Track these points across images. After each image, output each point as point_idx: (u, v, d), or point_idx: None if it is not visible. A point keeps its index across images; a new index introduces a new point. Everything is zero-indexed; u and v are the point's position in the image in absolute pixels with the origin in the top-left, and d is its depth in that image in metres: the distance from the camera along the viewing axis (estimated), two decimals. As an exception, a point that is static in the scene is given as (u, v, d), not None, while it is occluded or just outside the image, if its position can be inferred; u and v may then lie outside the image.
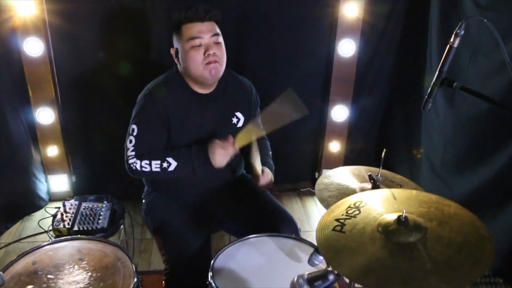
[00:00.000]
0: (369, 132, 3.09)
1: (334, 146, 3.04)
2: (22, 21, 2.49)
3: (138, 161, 1.79)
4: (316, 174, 3.19)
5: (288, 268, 1.55)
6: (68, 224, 1.96)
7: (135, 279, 1.49)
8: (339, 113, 2.94)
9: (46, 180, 2.92)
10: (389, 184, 1.66)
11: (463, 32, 1.32)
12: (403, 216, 1.18)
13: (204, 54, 1.74)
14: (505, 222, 2.11)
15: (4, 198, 2.66)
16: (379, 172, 1.59)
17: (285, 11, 2.69)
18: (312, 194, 3.20)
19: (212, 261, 1.55)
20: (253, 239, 1.68)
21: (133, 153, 1.80)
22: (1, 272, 1.41)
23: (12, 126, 2.63)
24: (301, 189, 3.24)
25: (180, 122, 1.84)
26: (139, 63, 2.71)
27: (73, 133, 2.88)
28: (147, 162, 1.78)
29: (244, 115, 1.97)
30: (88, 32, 2.62)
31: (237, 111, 1.95)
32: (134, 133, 1.80)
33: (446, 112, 2.40)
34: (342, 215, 1.28)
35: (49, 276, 1.52)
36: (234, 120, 1.95)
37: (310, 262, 1.37)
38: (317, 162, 3.15)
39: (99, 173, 2.98)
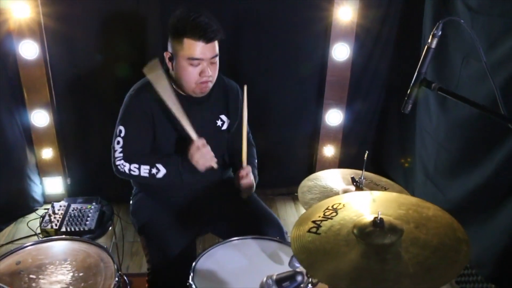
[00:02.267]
0: (364, 136, 3.08)
1: (329, 150, 3.02)
2: (18, 23, 2.52)
3: (127, 164, 1.79)
4: (311, 178, 3.18)
5: (269, 270, 1.50)
6: (56, 225, 1.96)
7: (116, 279, 1.49)
8: (334, 117, 2.93)
9: (41, 183, 2.94)
10: (373, 187, 1.65)
11: (440, 32, 1.30)
12: (379, 218, 1.17)
13: (200, 74, 1.75)
14: (497, 227, 2.08)
15: (-1, 200, 2.68)
16: (362, 174, 1.57)
17: (279, 15, 2.70)
18: (307, 198, 3.18)
19: (194, 262, 1.55)
20: (236, 241, 1.67)
21: (121, 154, 1.80)
22: None
23: (7, 128, 2.65)
24: (295, 193, 3.22)
25: (165, 123, 1.84)
26: (134, 66, 2.71)
27: (68, 136, 2.90)
28: (136, 166, 1.79)
29: (229, 118, 1.97)
30: (83, 34, 2.65)
31: (221, 114, 1.95)
32: (122, 134, 1.80)
33: (439, 117, 2.39)
34: (319, 216, 1.27)
35: (31, 276, 1.52)
36: (219, 122, 1.95)
37: (291, 264, 1.35)
38: (312, 166, 3.14)
39: (93, 175, 2.99)
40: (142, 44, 2.74)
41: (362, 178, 1.57)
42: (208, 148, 1.78)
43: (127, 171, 1.78)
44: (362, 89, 2.92)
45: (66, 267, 1.56)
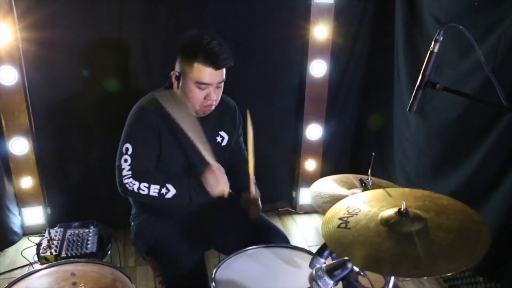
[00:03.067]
0: (343, 149, 3.20)
1: (310, 165, 3.12)
2: (-4, 49, 2.46)
3: (137, 183, 1.77)
4: (293, 193, 3.25)
5: (288, 275, 1.58)
6: (56, 251, 1.90)
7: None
8: (314, 131, 3.04)
9: (20, 213, 2.81)
10: (378, 188, 1.73)
11: (442, 38, 1.44)
12: (404, 208, 1.25)
13: (205, 97, 1.78)
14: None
15: (-24, 233, 2.54)
16: (369, 176, 1.66)
17: (258, 33, 2.80)
18: (290, 213, 3.24)
19: (213, 272, 1.55)
20: (250, 251, 1.70)
21: (129, 172, 1.78)
22: None
23: (-15, 158, 2.54)
24: (280, 209, 3.28)
25: (171, 141, 1.85)
26: (115, 91, 2.71)
27: (48, 163, 2.81)
28: (146, 185, 1.77)
29: (228, 134, 2.01)
30: (63, 60, 2.61)
31: (221, 130, 1.99)
32: (129, 152, 1.79)
33: (417, 123, 2.55)
34: (344, 214, 1.34)
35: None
36: (219, 139, 1.98)
37: (312, 266, 1.40)
38: (294, 181, 3.22)
39: (75, 203, 2.90)
40: (123, 70, 2.74)
41: (369, 179, 1.66)
42: (223, 173, 1.80)
43: (135, 190, 1.77)
44: (338, 103, 3.06)
45: (80, 290, 1.52)
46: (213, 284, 1.50)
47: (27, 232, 2.86)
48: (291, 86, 2.98)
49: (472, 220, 1.25)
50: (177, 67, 1.82)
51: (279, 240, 1.90)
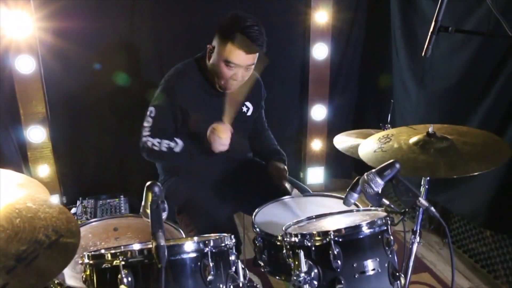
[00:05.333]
0: (346, 128, 3.34)
1: (316, 144, 3.25)
2: (14, 38, 2.54)
3: (150, 139, 1.89)
4: (301, 174, 3.37)
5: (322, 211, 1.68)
6: (91, 217, 1.97)
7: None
8: (318, 112, 3.18)
9: (37, 202, 2.85)
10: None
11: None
12: (432, 130, 1.40)
13: (232, 76, 1.88)
14: (484, 180, 2.37)
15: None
16: (388, 119, 1.80)
17: (261, 19, 2.94)
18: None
19: (252, 217, 1.65)
20: (286, 199, 1.81)
21: (149, 132, 1.90)
22: None
23: (3, 146, 2.59)
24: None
25: (194, 111, 1.96)
26: (129, 80, 2.82)
27: (63, 152, 2.87)
28: (159, 140, 1.88)
29: (253, 105, 2.12)
30: (78, 50, 2.70)
31: (246, 101, 2.10)
32: (152, 114, 1.91)
33: (418, 94, 2.72)
34: (376, 142, 1.48)
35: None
36: (244, 109, 2.10)
37: (346, 202, 1.51)
38: (301, 161, 3.34)
39: (89, 192, 2.95)
40: (137, 59, 2.84)
41: (389, 125, 1.80)
42: (227, 130, 1.84)
43: (150, 146, 1.87)
44: (340, 84, 3.22)
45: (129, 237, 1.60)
46: (255, 225, 1.60)
47: (45, 221, 2.89)
48: (294, 69, 3.13)
49: (491, 138, 1.41)
50: (214, 41, 1.90)
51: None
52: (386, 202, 1.34)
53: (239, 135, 2.08)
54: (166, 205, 1.00)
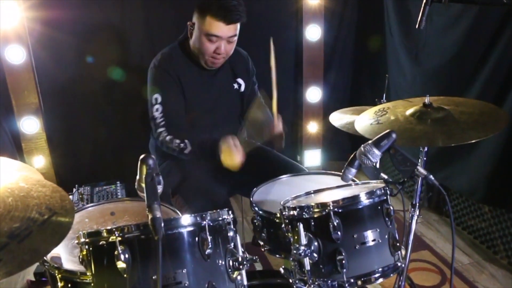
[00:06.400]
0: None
1: (313, 127, 3.24)
2: (2, 28, 2.50)
3: (165, 134, 1.88)
4: (298, 157, 3.36)
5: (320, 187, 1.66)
6: (87, 203, 1.96)
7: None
8: (313, 94, 3.16)
9: (34, 194, 2.83)
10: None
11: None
12: (428, 100, 1.38)
13: (215, 50, 1.86)
14: (481, 155, 2.37)
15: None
16: (384, 96, 1.79)
17: (251, 3, 2.91)
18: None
19: (251, 196, 1.64)
20: (283, 178, 1.79)
21: (163, 121, 1.87)
22: None
23: (-3, 137, 2.57)
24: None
25: (188, 90, 1.95)
26: (121, 68, 2.78)
27: (58, 142, 2.85)
28: (171, 137, 1.88)
29: (244, 81, 2.11)
30: (69, 38, 2.67)
31: (238, 78, 2.10)
32: (159, 100, 1.88)
33: (413, 72, 2.70)
34: (372, 116, 1.47)
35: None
36: (236, 86, 2.09)
37: (344, 177, 1.49)
38: (298, 144, 3.33)
39: (85, 182, 2.93)
40: (128, 47, 2.81)
41: (384, 100, 1.79)
42: (239, 147, 1.80)
43: (167, 139, 1.86)
44: (334, 65, 3.20)
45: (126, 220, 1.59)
46: (253, 204, 1.58)
47: (42, 212, 2.87)
48: (287, 51, 3.10)
49: (488, 106, 1.40)
50: (194, 17, 1.90)
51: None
52: (384, 176, 1.33)
53: (233, 113, 2.07)
54: (161, 178, 0.98)
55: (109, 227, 0.99)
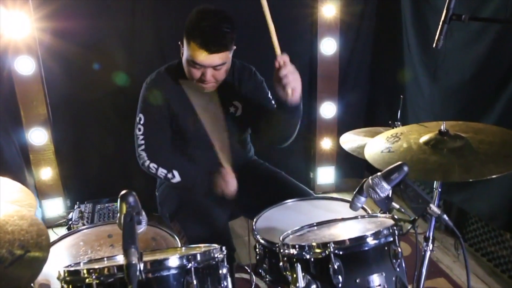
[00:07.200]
0: (356, 125, 3.20)
1: (326, 143, 3.14)
2: (13, 39, 2.49)
3: (148, 161, 1.84)
4: (311, 174, 3.26)
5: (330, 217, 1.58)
6: (87, 222, 1.90)
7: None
8: (328, 109, 3.07)
9: (40, 205, 2.80)
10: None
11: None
12: (444, 128, 1.28)
13: (201, 76, 1.75)
14: (503, 180, 2.23)
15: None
16: (398, 117, 1.69)
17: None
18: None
19: (253, 223, 1.56)
20: (289, 203, 1.70)
21: (143, 144, 1.84)
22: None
23: (5, 149, 2.54)
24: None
25: (179, 111, 1.87)
26: (130, 79, 2.74)
27: (66, 154, 2.82)
28: (155, 166, 1.84)
29: (242, 103, 1.97)
30: (79, 49, 2.64)
31: (235, 100, 1.96)
32: (142, 121, 1.85)
33: (431, 90, 2.58)
34: (384, 141, 1.37)
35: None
36: (232, 109, 1.96)
37: (353, 206, 1.40)
38: (311, 161, 3.23)
39: (93, 194, 2.89)
40: (138, 58, 2.76)
41: (399, 123, 1.69)
42: (233, 177, 1.80)
43: (146, 165, 1.84)
44: (349, 80, 3.10)
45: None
46: (255, 232, 1.50)
47: (48, 225, 2.83)
48: (302, 65, 2.99)
49: (509, 135, 1.28)
50: (183, 37, 1.78)
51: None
52: (396, 206, 1.23)
53: (234, 137, 1.98)
54: (143, 217, 0.91)
55: (88, 267, 0.91)
